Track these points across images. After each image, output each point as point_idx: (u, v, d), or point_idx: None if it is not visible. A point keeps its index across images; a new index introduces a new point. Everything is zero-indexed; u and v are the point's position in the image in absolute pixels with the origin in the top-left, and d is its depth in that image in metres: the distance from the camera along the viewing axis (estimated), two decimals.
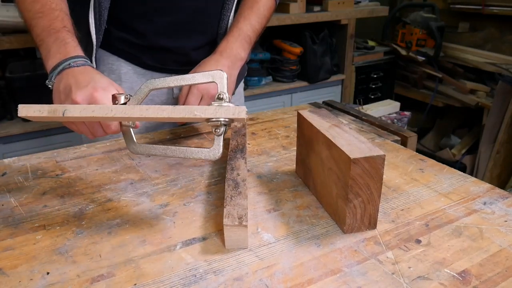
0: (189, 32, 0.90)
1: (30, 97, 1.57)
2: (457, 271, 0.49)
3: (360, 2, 2.51)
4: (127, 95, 0.63)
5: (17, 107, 0.54)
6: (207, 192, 0.66)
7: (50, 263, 0.50)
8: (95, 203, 0.63)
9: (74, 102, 0.61)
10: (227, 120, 0.54)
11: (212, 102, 0.58)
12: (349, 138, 0.57)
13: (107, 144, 0.83)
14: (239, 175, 0.63)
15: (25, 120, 1.61)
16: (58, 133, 1.67)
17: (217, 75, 0.60)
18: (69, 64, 0.67)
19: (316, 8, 2.26)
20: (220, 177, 0.71)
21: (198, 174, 0.72)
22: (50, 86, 0.68)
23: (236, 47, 0.87)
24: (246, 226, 0.51)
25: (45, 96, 1.65)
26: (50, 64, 0.68)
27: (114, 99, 0.62)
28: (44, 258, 0.51)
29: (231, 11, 0.92)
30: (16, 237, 0.55)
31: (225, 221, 0.52)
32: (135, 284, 0.47)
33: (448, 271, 0.49)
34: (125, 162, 0.76)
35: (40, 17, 0.72)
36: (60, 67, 0.67)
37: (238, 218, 0.52)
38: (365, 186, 0.53)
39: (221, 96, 0.58)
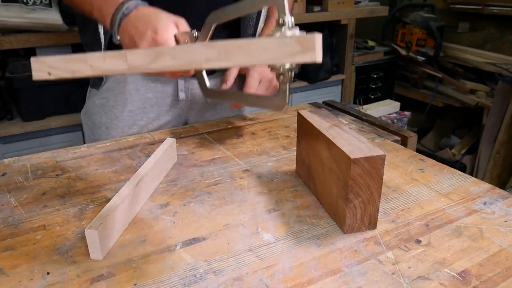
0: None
1: (30, 97, 1.57)
2: (457, 271, 0.49)
3: (360, 2, 2.51)
4: (193, 31, 0.63)
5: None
6: (207, 192, 0.66)
7: (50, 263, 0.50)
8: (95, 203, 0.63)
9: None
10: (292, 66, 0.48)
11: (273, 31, 0.48)
12: (349, 138, 0.57)
13: (107, 144, 0.83)
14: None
15: (25, 120, 1.61)
16: (58, 133, 1.67)
17: None
18: (123, 13, 0.67)
19: (316, 8, 2.26)
20: (220, 177, 0.71)
21: (198, 174, 0.71)
22: (117, 43, 0.69)
23: None
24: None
25: (45, 97, 1.64)
26: (108, 22, 0.69)
27: (177, 39, 0.63)
28: (44, 258, 0.51)
29: (255, 22, 0.92)
30: (16, 237, 0.55)
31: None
32: (135, 284, 0.47)
33: (448, 271, 0.49)
34: (125, 162, 0.76)
35: None
36: (117, 20, 0.67)
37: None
38: (365, 186, 0.53)
39: (281, 21, 0.47)
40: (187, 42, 0.63)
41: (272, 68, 0.49)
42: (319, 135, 0.60)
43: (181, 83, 0.92)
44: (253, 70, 0.81)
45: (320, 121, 0.63)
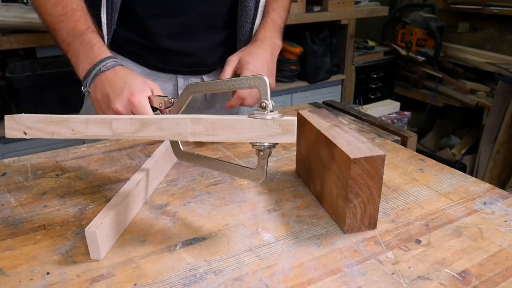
0: (199, 34, 0.90)
1: (30, 97, 1.57)
2: (457, 271, 0.49)
3: (360, 2, 2.51)
4: (170, 99, 0.64)
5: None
6: (207, 192, 0.66)
7: (50, 263, 0.50)
8: (95, 203, 0.63)
9: (115, 111, 0.64)
10: (271, 144, 0.51)
11: (255, 112, 0.51)
12: (349, 138, 0.57)
13: (107, 144, 0.83)
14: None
15: None
16: None
17: (258, 81, 0.52)
18: (100, 69, 0.68)
19: (316, 8, 2.26)
20: (220, 177, 0.71)
21: (198, 174, 0.71)
22: (86, 93, 0.70)
23: (273, 35, 0.88)
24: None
25: (45, 97, 1.63)
26: (81, 70, 0.70)
27: (151, 101, 0.64)
28: (44, 258, 0.51)
29: (252, 18, 0.92)
30: (16, 237, 0.55)
31: None
32: (135, 284, 0.47)
33: (448, 271, 0.49)
34: (125, 162, 0.76)
35: (63, 20, 0.72)
36: (92, 74, 0.68)
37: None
38: (365, 186, 0.53)
39: (264, 105, 0.51)
40: (161, 106, 0.64)
41: (253, 144, 0.52)
42: (319, 135, 0.60)
43: (180, 81, 0.92)
44: (247, 71, 0.80)
45: (320, 121, 0.63)
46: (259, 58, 0.81)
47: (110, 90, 0.66)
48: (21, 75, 1.54)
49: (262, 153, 0.52)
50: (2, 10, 1.47)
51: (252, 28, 0.92)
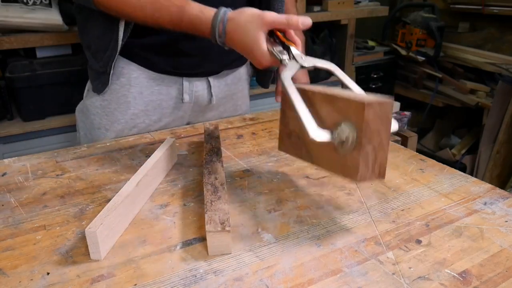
0: None
1: (30, 97, 1.57)
2: (458, 271, 0.49)
3: (360, 2, 2.51)
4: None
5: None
6: None
7: (50, 263, 0.50)
8: (95, 203, 0.63)
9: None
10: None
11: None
12: (350, 93, 0.56)
13: (107, 144, 0.83)
14: (217, 179, 0.62)
15: (25, 120, 1.61)
16: (58, 133, 1.67)
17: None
18: (222, 26, 0.67)
19: (316, 8, 2.26)
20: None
21: (198, 174, 0.71)
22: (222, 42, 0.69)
23: None
24: (229, 231, 0.51)
25: (45, 97, 1.63)
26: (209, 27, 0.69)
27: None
28: (44, 258, 0.51)
29: None
30: (16, 237, 0.55)
31: (208, 227, 0.51)
32: (135, 284, 0.47)
33: (449, 272, 0.49)
34: (125, 162, 0.76)
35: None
36: (223, 32, 0.68)
37: (221, 224, 0.52)
38: (376, 132, 0.52)
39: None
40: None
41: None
42: (315, 95, 0.59)
43: (185, 85, 0.92)
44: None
45: (311, 87, 0.62)
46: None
47: (241, 51, 0.68)
48: (21, 75, 1.54)
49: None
50: (2, 10, 1.47)
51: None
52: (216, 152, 0.71)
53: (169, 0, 0.71)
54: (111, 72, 0.86)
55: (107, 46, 0.84)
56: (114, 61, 0.84)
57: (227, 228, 0.51)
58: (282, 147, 0.70)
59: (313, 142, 0.58)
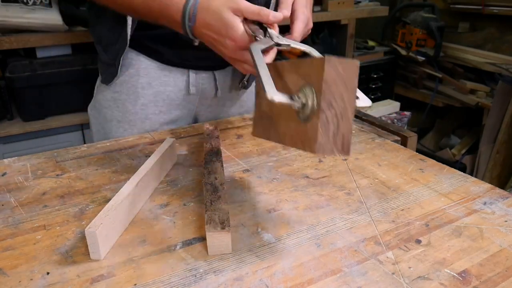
0: None
1: (30, 97, 1.57)
2: (457, 271, 0.49)
3: (360, 2, 2.51)
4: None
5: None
6: None
7: (50, 263, 0.50)
8: (95, 203, 0.63)
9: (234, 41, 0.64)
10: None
11: None
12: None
13: (107, 144, 0.83)
14: (216, 179, 0.62)
15: (25, 120, 1.61)
16: (58, 133, 1.67)
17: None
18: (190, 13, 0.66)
19: (316, 8, 2.26)
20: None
21: (198, 174, 0.71)
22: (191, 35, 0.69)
23: None
24: (229, 231, 0.51)
25: (45, 97, 1.63)
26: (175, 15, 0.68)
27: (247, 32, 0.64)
28: (44, 258, 0.51)
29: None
30: (16, 237, 0.55)
31: (207, 227, 0.51)
32: (135, 284, 0.47)
33: (448, 271, 0.49)
34: (125, 162, 0.76)
35: None
36: (188, 23, 0.67)
37: (221, 223, 0.52)
38: (338, 96, 0.47)
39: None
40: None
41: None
42: (283, 66, 0.56)
43: (192, 76, 0.92)
44: (300, 12, 0.74)
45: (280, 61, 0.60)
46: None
47: (213, 39, 0.66)
48: (21, 75, 1.54)
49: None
50: (2, 10, 1.47)
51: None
52: (216, 152, 0.72)
53: None
54: (120, 64, 0.87)
55: (117, 39, 0.85)
56: (124, 53, 0.86)
57: (227, 228, 0.51)
58: (255, 131, 0.67)
59: (278, 114, 0.56)
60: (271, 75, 0.53)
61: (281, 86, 0.55)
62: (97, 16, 0.89)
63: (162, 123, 0.94)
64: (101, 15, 0.87)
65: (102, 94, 0.94)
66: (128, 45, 0.85)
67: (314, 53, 0.62)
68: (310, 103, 0.49)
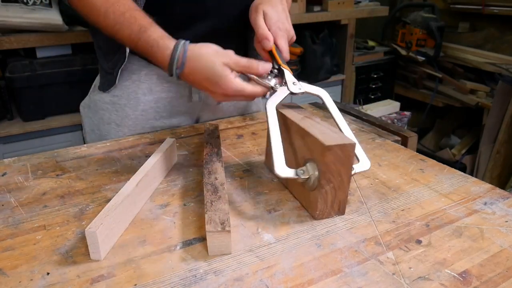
0: (224, 38, 0.87)
1: (30, 97, 1.57)
2: (458, 271, 0.49)
3: (360, 2, 2.51)
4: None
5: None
6: None
7: (50, 263, 0.50)
8: (95, 203, 0.63)
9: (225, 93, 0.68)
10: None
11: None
12: (322, 128, 0.59)
13: (107, 144, 0.83)
14: (217, 179, 0.62)
15: (25, 120, 1.61)
16: (58, 133, 1.67)
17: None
18: (178, 63, 0.68)
19: (316, 8, 2.26)
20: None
21: (198, 174, 0.71)
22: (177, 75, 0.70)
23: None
24: (229, 231, 0.51)
25: (45, 97, 1.63)
26: (162, 60, 0.70)
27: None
28: (44, 258, 0.51)
29: None
30: (16, 237, 0.55)
31: (208, 227, 0.51)
32: (135, 285, 0.47)
33: (449, 272, 0.49)
34: (125, 162, 0.76)
35: (119, 29, 0.73)
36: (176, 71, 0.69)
37: (221, 224, 0.52)
38: (336, 172, 0.55)
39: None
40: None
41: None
42: (292, 125, 0.62)
43: None
44: (277, 29, 0.74)
45: (293, 113, 0.65)
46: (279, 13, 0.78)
47: (203, 87, 0.69)
48: (21, 75, 1.54)
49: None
50: (2, 10, 1.47)
51: None
52: (216, 152, 0.71)
53: (134, 17, 0.71)
54: (118, 74, 0.87)
55: (116, 49, 0.85)
56: (123, 65, 0.85)
57: (227, 228, 0.51)
58: (267, 162, 0.74)
59: None
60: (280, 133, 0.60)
61: (289, 143, 0.63)
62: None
63: (163, 127, 0.93)
64: None
65: (100, 96, 0.92)
66: (127, 58, 0.84)
67: (327, 100, 0.68)
68: (312, 178, 0.57)
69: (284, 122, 0.64)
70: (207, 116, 0.99)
